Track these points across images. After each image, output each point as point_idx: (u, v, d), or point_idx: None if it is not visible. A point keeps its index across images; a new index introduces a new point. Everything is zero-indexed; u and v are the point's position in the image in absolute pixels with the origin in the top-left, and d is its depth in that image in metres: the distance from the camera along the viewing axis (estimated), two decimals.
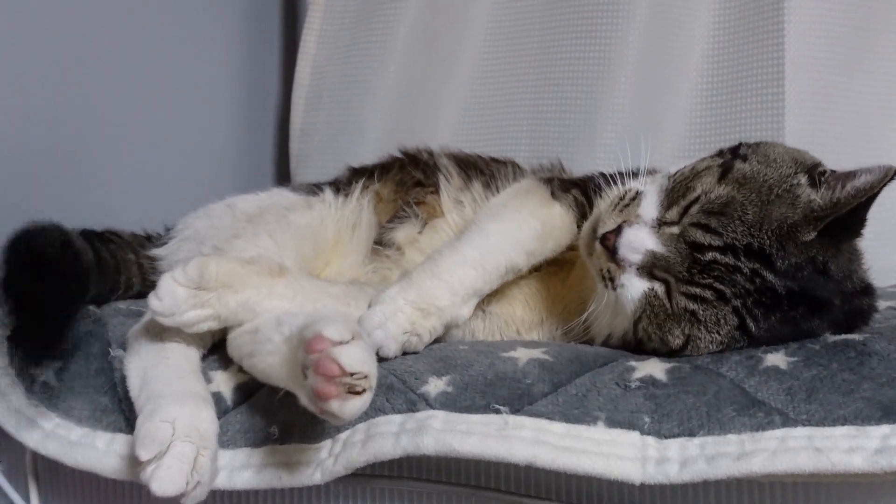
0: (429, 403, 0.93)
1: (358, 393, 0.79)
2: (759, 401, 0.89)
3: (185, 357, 0.99)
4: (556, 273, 1.21)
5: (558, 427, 0.89)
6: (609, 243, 1.02)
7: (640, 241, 1.01)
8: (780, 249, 0.96)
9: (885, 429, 0.83)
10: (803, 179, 1.00)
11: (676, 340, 1.00)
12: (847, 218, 0.98)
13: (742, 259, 0.96)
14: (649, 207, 1.04)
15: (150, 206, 1.60)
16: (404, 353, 1.04)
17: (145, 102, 1.82)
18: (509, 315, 1.20)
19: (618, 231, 1.03)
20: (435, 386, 0.96)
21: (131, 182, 1.84)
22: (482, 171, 1.39)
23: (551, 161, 1.45)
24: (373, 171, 1.41)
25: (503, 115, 1.99)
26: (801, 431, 0.84)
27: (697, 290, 0.98)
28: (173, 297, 0.95)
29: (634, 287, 1.02)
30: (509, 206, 1.18)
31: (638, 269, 1.02)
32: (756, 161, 1.03)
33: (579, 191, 1.21)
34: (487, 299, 1.18)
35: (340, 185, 1.38)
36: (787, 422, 0.85)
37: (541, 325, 1.20)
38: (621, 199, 1.07)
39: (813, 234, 0.97)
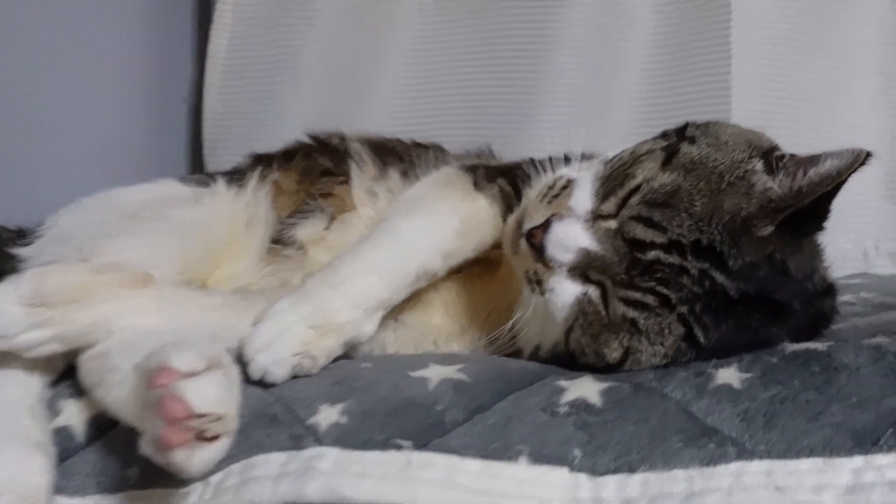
0: (318, 439, 0.77)
1: (210, 439, 0.62)
2: (711, 428, 0.75)
3: (23, 388, 0.82)
4: (480, 275, 1.07)
5: (473, 465, 0.74)
6: (536, 240, 0.88)
7: (571, 237, 0.87)
8: (732, 246, 0.83)
9: (857, 461, 0.70)
10: (759, 165, 0.87)
11: (614, 353, 0.86)
12: (809, 209, 0.85)
13: (689, 258, 0.83)
14: (583, 198, 0.90)
15: (43, 199, 1.39)
16: (295, 377, 0.88)
17: (37, 83, 1.62)
18: (425, 324, 1.05)
19: (546, 226, 0.88)
20: (327, 416, 0.80)
21: (21, 172, 1.64)
22: (401, 157, 1.24)
23: (479, 146, 1.30)
24: (273, 158, 1.24)
25: (440, 98, 1.88)
26: (759, 466, 0.71)
27: (638, 295, 0.84)
28: (4, 317, 0.77)
29: (565, 291, 0.88)
30: (425, 199, 1.03)
31: (569, 270, 0.88)
32: (705, 144, 0.89)
33: (506, 180, 1.06)
34: (400, 307, 1.03)
35: (237, 175, 1.20)
36: (743, 453, 0.72)
37: (462, 336, 1.06)
38: (550, 188, 0.92)
39: (770, 228, 0.85)
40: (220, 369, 0.68)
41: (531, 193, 0.96)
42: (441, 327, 1.06)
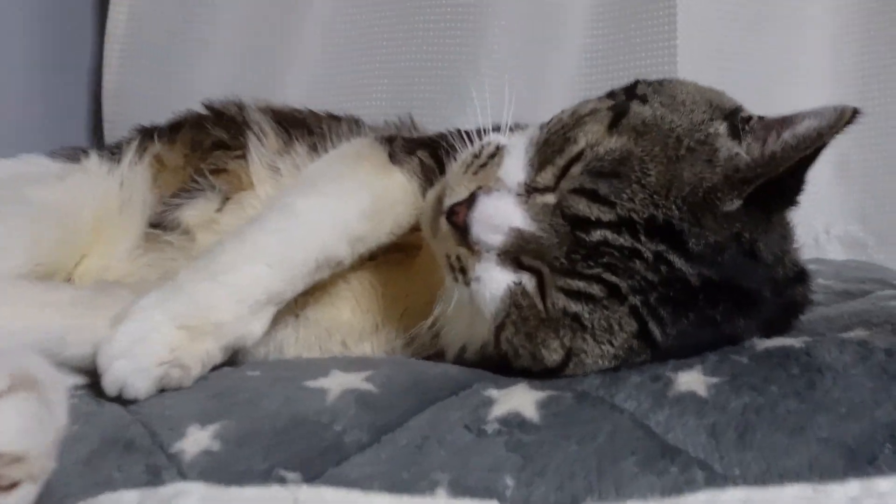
0: (181, 471, 0.61)
1: (6, 488, 0.45)
2: (672, 447, 0.61)
3: None
4: (397, 263, 0.91)
5: (379, 500, 0.57)
6: (458, 219, 0.72)
7: (501, 214, 0.72)
8: (693, 224, 0.70)
9: (853, 487, 0.57)
10: (722, 128, 0.74)
11: (553, 356, 0.71)
12: (782, 180, 0.72)
13: (642, 239, 0.70)
14: (514, 167, 0.75)
15: None
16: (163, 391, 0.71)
17: None
18: (332, 321, 0.89)
19: (470, 201, 0.73)
20: (195, 441, 0.63)
21: None
22: (310, 129, 1.07)
23: (400, 117, 1.13)
24: (156, 130, 1.05)
25: (363, 70, 1.72)
26: (733, 495, 0.57)
27: (581, 285, 0.69)
28: None
29: (494, 281, 0.73)
30: (330, 173, 0.88)
31: (499, 255, 0.73)
32: (659, 103, 0.75)
33: (428, 152, 0.91)
34: (302, 300, 0.87)
35: (114, 150, 1.02)
36: (714, 479, 0.58)
37: (375, 334, 0.90)
38: (476, 156, 0.77)
39: (737, 203, 0.72)
40: (28, 391, 0.50)
41: (454, 165, 0.80)
42: (351, 324, 0.90)
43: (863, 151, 1.58)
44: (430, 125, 1.32)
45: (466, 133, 0.86)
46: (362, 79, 1.72)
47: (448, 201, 0.76)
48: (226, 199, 0.99)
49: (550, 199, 0.73)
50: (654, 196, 0.70)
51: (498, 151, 0.77)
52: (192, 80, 1.80)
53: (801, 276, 0.79)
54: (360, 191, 0.84)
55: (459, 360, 0.82)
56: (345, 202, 0.83)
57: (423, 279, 0.88)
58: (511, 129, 0.85)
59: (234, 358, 0.81)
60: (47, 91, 1.87)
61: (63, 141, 2.01)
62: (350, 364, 0.77)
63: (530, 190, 0.75)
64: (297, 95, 1.68)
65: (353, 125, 1.10)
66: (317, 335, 0.89)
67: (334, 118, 1.15)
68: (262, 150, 1.03)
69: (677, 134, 0.73)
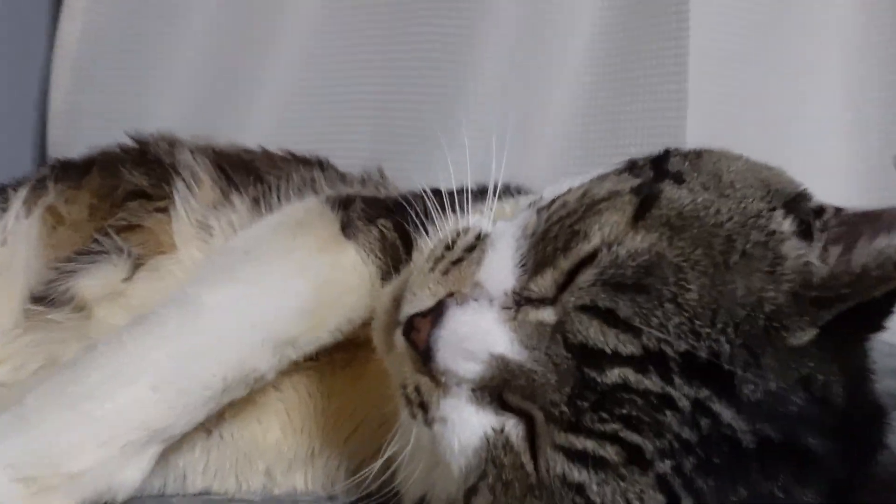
0: None
1: None
2: None
3: None
4: (344, 366, 0.70)
5: None
6: (419, 337, 0.53)
7: (478, 335, 0.52)
8: (749, 363, 0.50)
9: None
10: (786, 223, 0.54)
11: None
12: (875, 303, 0.51)
13: (677, 381, 0.50)
14: (500, 268, 0.55)
15: None
16: None
17: None
18: (255, 442, 0.69)
19: (437, 314, 0.53)
20: None
21: None
22: (259, 177, 0.86)
23: (366, 170, 0.93)
24: (56, 170, 0.85)
25: (339, 106, 1.54)
26: None
27: (589, 445, 0.50)
28: None
29: (466, 425, 0.54)
30: (259, 250, 0.67)
31: (474, 390, 0.51)
32: (700, 185, 0.55)
33: (391, 222, 0.70)
34: (217, 412, 0.64)
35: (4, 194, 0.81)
36: None
37: (310, 462, 0.70)
38: (448, 248, 0.56)
39: (810, 334, 0.51)
40: None
41: (419, 257, 0.59)
42: (279, 448, 0.69)
43: None
44: (412, 166, 1.12)
45: (448, 195, 0.65)
46: (339, 116, 1.54)
47: (407, 309, 0.55)
48: (137, 265, 0.77)
49: (549, 315, 0.52)
50: (696, 321, 0.50)
51: (478, 242, 0.57)
52: (148, 103, 1.63)
53: (877, 413, 0.58)
54: (295, 277, 0.64)
55: None
56: (273, 295, 0.63)
57: (379, 389, 0.67)
58: (499, 196, 0.64)
59: None
60: None
61: (6, 166, 1.81)
62: None
63: (521, 301, 0.54)
64: (264, 126, 1.51)
65: (311, 174, 0.89)
66: (233, 461, 0.68)
67: (296, 160, 0.94)
68: (191, 202, 0.82)
69: (728, 232, 0.52)
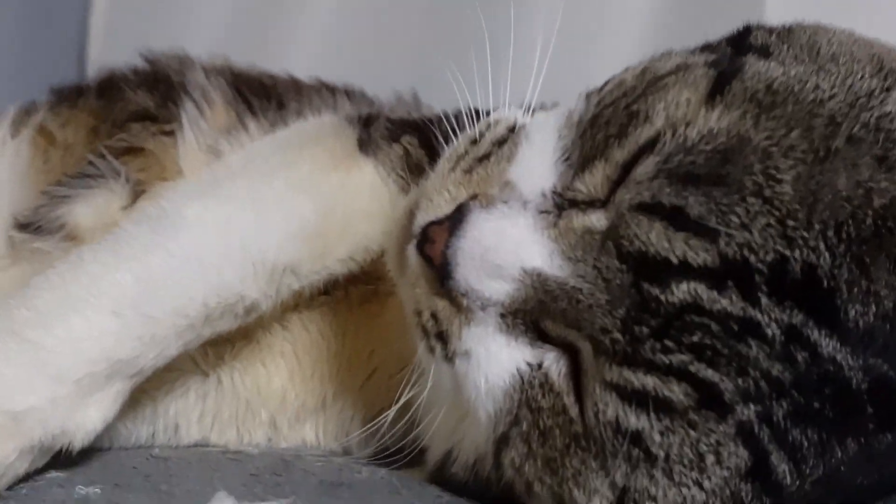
0: None
1: None
2: None
3: None
4: (363, 300, 0.60)
5: None
6: (434, 250, 0.43)
7: (507, 246, 0.42)
8: (857, 276, 0.38)
9: None
10: None
11: (594, 502, 0.39)
12: None
13: (764, 302, 0.38)
14: (536, 163, 0.45)
15: None
16: None
17: None
18: (258, 388, 0.60)
19: (456, 220, 0.43)
20: None
21: None
22: (281, 102, 0.76)
23: (397, 93, 0.83)
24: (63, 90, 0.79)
25: (381, 39, 1.42)
26: None
27: (649, 381, 0.39)
28: None
29: (494, 359, 0.44)
30: (262, 164, 0.58)
31: (503, 315, 0.42)
32: (794, 58, 0.43)
33: (419, 139, 0.61)
34: (216, 350, 0.58)
35: None
36: None
37: (321, 412, 0.60)
38: (474, 143, 0.45)
39: None
40: None
41: (441, 158, 0.49)
42: (285, 396, 0.59)
43: None
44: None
45: (478, 113, 0.54)
46: (382, 50, 1.43)
47: (421, 218, 0.45)
48: (137, 192, 0.68)
49: (599, 220, 0.42)
50: (788, 222, 0.38)
51: (511, 136, 0.46)
52: (183, 45, 1.56)
53: None
54: (298, 195, 0.54)
55: (442, 473, 0.51)
56: (269, 213, 0.53)
57: (400, 328, 0.56)
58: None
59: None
60: (30, 46, 1.63)
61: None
62: (253, 482, 0.46)
63: (564, 204, 0.43)
64: (302, 65, 1.43)
65: (335, 99, 0.79)
66: (234, 410, 0.59)
67: (325, 87, 0.84)
68: (200, 125, 0.73)
69: (830, 111, 0.41)
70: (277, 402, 0.59)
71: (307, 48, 1.42)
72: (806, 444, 0.39)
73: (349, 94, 0.83)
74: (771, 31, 0.48)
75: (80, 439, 0.47)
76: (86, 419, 0.47)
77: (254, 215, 0.52)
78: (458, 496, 0.49)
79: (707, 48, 0.49)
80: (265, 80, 0.82)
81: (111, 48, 1.60)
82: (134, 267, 0.49)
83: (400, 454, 0.54)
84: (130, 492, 0.46)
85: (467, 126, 0.53)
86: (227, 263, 0.51)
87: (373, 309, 0.60)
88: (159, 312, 0.49)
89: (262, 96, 0.78)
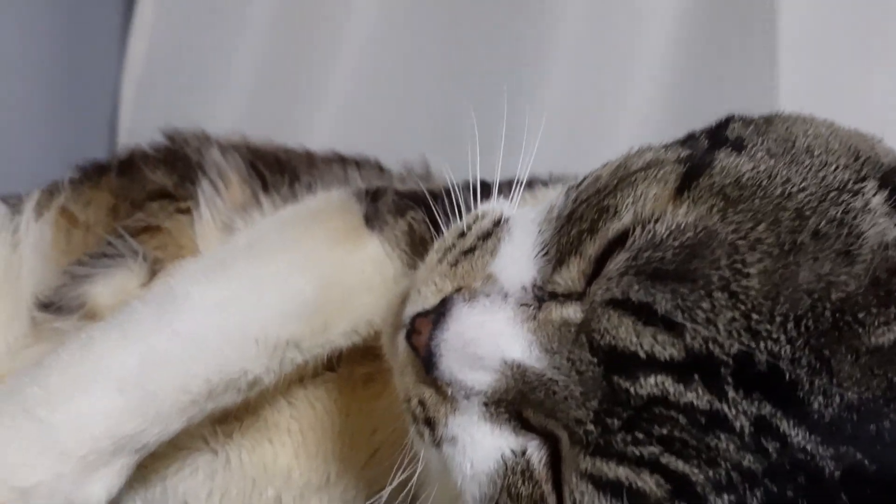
0: None
1: None
2: None
3: None
4: (367, 379, 0.62)
5: None
6: (419, 341, 0.44)
7: (488, 338, 0.44)
8: (815, 368, 0.39)
9: None
10: (876, 199, 0.44)
11: None
12: None
13: (730, 395, 0.40)
14: (518, 258, 0.47)
15: None
16: None
17: None
18: (264, 466, 0.62)
19: (440, 313, 0.44)
20: None
21: None
22: (296, 176, 0.79)
23: (406, 163, 0.86)
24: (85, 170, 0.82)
25: (400, 111, 1.46)
26: None
27: (622, 473, 0.41)
28: None
29: (478, 446, 0.46)
30: (264, 243, 0.61)
31: (486, 404, 0.43)
32: (766, 152, 0.46)
33: (423, 213, 0.63)
34: (225, 428, 0.61)
35: (13, 200, 0.77)
36: None
37: (325, 490, 0.61)
38: (461, 236, 0.47)
39: None
40: None
41: (432, 249, 0.51)
42: (291, 473, 0.61)
43: None
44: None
45: (487, 188, 0.57)
46: (400, 121, 1.47)
47: (410, 309, 0.47)
48: (155, 270, 0.72)
49: (576, 312, 0.43)
50: (753, 316, 0.39)
51: (495, 230, 0.48)
52: (209, 115, 1.59)
53: None
54: (298, 272, 0.57)
55: None
56: (270, 291, 0.56)
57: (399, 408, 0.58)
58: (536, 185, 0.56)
59: None
60: (62, 128, 1.68)
61: None
62: None
63: (543, 296, 0.45)
64: (322, 139, 1.47)
65: (346, 171, 0.82)
66: (241, 487, 0.61)
67: (339, 160, 0.87)
68: (217, 203, 0.76)
69: (798, 204, 0.42)
70: (283, 479, 0.61)
71: (329, 117, 1.46)
72: None
73: (360, 165, 0.86)
74: (749, 122, 0.50)
75: None
76: (91, 494, 0.50)
77: (255, 297, 0.55)
78: None
79: (685, 141, 0.51)
80: (280, 155, 0.85)
81: (143, 120, 1.66)
82: (140, 346, 0.52)
83: None
84: None
85: (468, 202, 0.55)
86: (228, 342, 0.53)
87: (376, 388, 0.62)
88: (162, 389, 0.51)
89: (275, 171, 0.81)
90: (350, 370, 0.62)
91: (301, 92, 1.52)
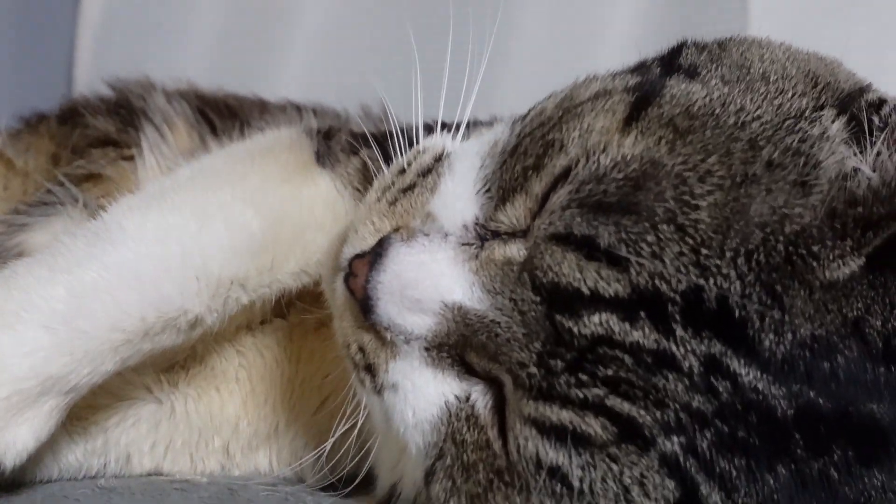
0: None
1: None
2: None
3: None
4: (318, 325, 0.60)
5: None
6: (356, 284, 0.43)
7: (427, 280, 0.42)
8: (766, 305, 0.38)
9: None
10: (835, 126, 0.42)
11: None
12: None
13: (678, 333, 0.38)
14: (459, 195, 0.45)
15: None
16: None
17: None
18: (211, 417, 0.60)
19: (376, 253, 0.42)
20: None
21: None
22: (247, 123, 0.76)
23: (363, 106, 0.83)
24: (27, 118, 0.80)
25: (367, 60, 1.40)
26: None
27: (566, 416, 0.39)
28: None
29: (420, 393, 0.44)
30: (206, 176, 0.58)
31: (428, 349, 0.42)
32: (720, 79, 0.43)
33: (378, 151, 0.59)
34: (170, 377, 0.59)
35: None
36: None
37: (274, 440, 0.60)
38: (401, 173, 0.45)
39: (854, 264, 0.39)
40: None
41: (371, 188, 0.49)
42: (239, 423, 0.60)
43: None
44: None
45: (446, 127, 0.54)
46: (367, 68, 1.43)
47: (347, 250, 0.45)
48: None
49: (519, 251, 0.42)
50: (703, 250, 0.38)
51: (436, 165, 0.45)
52: (172, 71, 1.56)
53: None
54: (245, 207, 0.54)
55: None
56: (214, 225, 0.53)
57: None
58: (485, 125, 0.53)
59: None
60: (17, 84, 1.63)
61: None
62: None
63: (486, 235, 0.43)
64: (291, 90, 1.43)
65: (300, 116, 0.79)
66: (186, 438, 0.59)
67: (292, 107, 0.84)
68: (162, 149, 0.74)
69: (751, 134, 0.40)
70: (230, 429, 0.60)
71: (295, 67, 1.42)
72: (735, 472, 0.39)
73: (316, 110, 0.83)
74: (703, 48, 0.48)
75: (10, 459, 0.47)
76: (16, 438, 0.47)
77: (197, 227, 0.52)
78: None
79: (637, 69, 0.48)
80: (230, 102, 0.83)
81: (100, 71, 1.62)
82: (67, 280, 0.49)
83: (353, 482, 0.54)
84: None
85: (418, 140, 0.52)
86: (166, 277, 0.50)
87: (328, 334, 0.60)
88: (92, 326, 0.48)
89: (225, 117, 0.78)
90: (301, 317, 0.60)
91: (266, 42, 1.48)
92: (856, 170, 0.40)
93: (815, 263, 0.38)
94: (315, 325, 0.61)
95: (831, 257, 0.38)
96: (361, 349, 0.45)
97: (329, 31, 1.47)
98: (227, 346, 0.60)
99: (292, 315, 0.60)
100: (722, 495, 0.39)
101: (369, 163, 0.60)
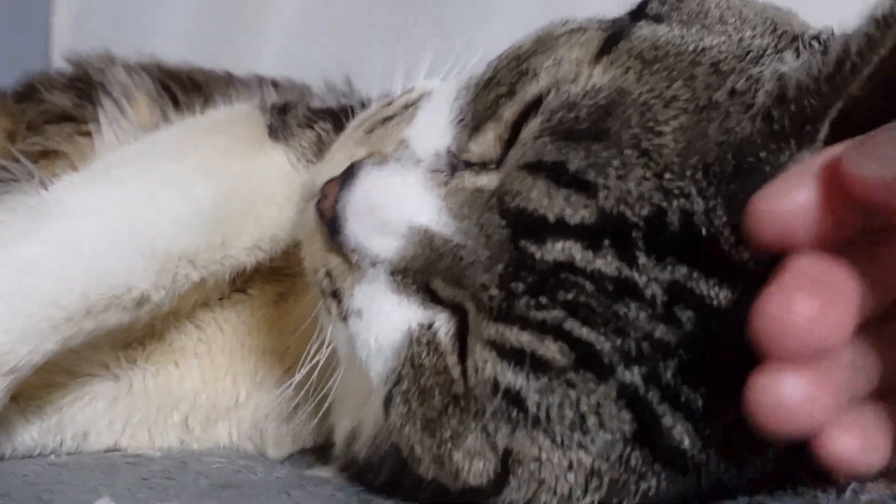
0: None
1: None
2: None
3: None
4: (278, 298, 0.60)
5: None
6: (325, 205, 0.44)
7: (395, 201, 0.42)
8: (735, 218, 0.37)
9: None
10: (786, 63, 0.42)
11: (475, 464, 0.41)
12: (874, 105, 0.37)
13: (641, 261, 0.38)
14: (432, 125, 0.45)
15: None
16: None
17: None
18: (170, 391, 0.58)
19: (347, 176, 0.43)
20: None
21: None
22: (211, 97, 0.75)
23: (327, 81, 0.82)
24: None
25: (348, 39, 1.36)
26: None
27: (525, 339, 0.39)
28: None
29: (385, 319, 0.44)
30: (155, 149, 0.57)
31: (394, 273, 0.42)
32: (679, 23, 0.44)
33: (333, 124, 0.60)
34: (127, 354, 0.57)
35: None
36: None
37: (234, 412, 0.59)
38: (384, 108, 0.49)
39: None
40: None
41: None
42: (197, 396, 0.58)
43: None
44: None
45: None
46: (353, 43, 1.35)
47: (321, 176, 0.46)
48: None
49: (491, 181, 0.42)
50: (666, 175, 0.38)
51: (417, 101, 0.47)
52: (150, 46, 1.54)
53: None
54: (195, 180, 0.53)
55: (347, 458, 0.50)
56: (161, 199, 0.51)
57: (314, 326, 0.55)
58: None
59: None
60: None
61: None
62: (141, 486, 0.45)
63: (458, 164, 0.44)
64: (270, 64, 1.40)
65: (262, 90, 0.79)
66: (144, 414, 0.57)
67: (259, 81, 0.82)
68: (121, 123, 0.72)
69: (713, 59, 0.41)
70: (189, 403, 0.58)
71: (274, 43, 1.38)
72: (701, 404, 0.38)
73: (277, 84, 0.83)
74: (664, 1, 0.49)
75: None
76: None
77: (143, 201, 0.51)
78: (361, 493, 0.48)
79: (611, 21, 0.50)
80: (195, 76, 0.82)
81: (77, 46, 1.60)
82: (2, 256, 0.47)
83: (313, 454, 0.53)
84: (10, 501, 0.44)
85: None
86: (109, 252, 0.48)
87: (288, 306, 0.59)
88: (30, 303, 0.46)
89: (189, 91, 0.77)
90: (261, 289, 0.59)
91: (244, 19, 1.44)
92: (781, 75, 0.39)
93: (767, 168, 0.38)
94: (275, 298, 0.60)
95: (779, 159, 0.38)
96: (329, 274, 0.44)
97: (307, 9, 1.46)
98: (186, 321, 0.58)
99: (252, 289, 0.59)
100: (689, 426, 0.38)
101: (324, 135, 0.59)
